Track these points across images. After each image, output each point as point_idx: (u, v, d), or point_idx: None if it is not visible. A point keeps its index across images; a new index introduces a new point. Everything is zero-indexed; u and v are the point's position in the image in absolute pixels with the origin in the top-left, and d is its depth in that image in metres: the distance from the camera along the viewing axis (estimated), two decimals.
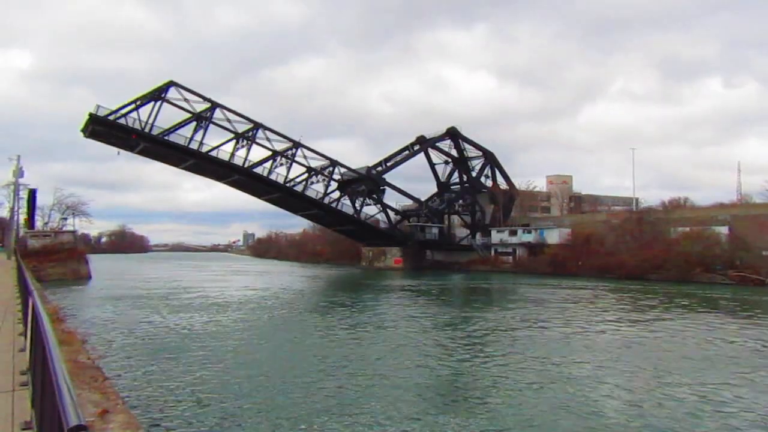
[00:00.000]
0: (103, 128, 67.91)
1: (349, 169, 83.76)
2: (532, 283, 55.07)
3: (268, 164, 77.02)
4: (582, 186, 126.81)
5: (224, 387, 14.92)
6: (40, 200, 73.77)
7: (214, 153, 73.35)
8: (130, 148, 72.35)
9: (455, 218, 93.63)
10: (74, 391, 2.97)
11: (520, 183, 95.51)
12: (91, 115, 66.59)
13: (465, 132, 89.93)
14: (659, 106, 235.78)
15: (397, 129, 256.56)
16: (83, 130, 69.40)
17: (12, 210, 60.75)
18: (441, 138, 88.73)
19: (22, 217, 65.80)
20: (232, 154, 74.13)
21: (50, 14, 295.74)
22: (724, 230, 59.34)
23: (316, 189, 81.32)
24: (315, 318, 30.30)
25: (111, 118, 67.15)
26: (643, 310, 33.24)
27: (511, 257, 79.62)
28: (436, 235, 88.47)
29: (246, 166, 75.04)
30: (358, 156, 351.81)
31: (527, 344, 21.86)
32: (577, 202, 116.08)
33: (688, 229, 60.92)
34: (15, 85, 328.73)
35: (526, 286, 52.11)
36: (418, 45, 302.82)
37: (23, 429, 5.30)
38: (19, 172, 55.78)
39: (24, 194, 62.67)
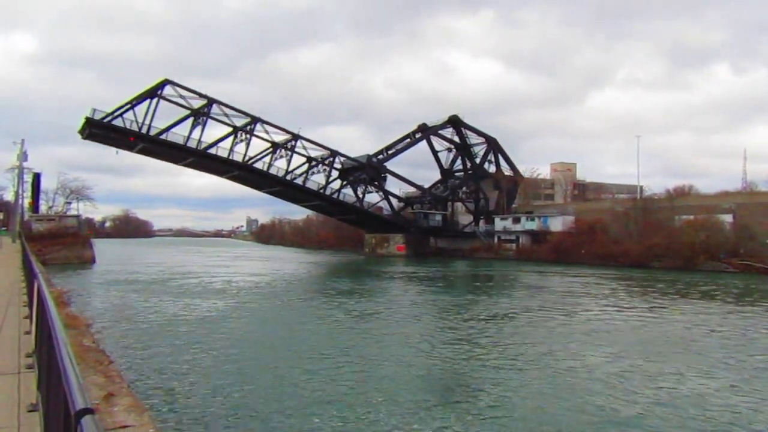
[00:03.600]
0: (100, 131, 67.61)
1: (348, 158, 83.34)
2: (535, 270, 55.07)
3: (267, 158, 76.51)
4: (586, 173, 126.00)
5: (227, 371, 15.00)
6: (45, 184, 73.90)
7: (213, 150, 72.72)
8: (129, 147, 72.11)
9: (459, 205, 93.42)
10: (80, 374, 2.95)
11: (524, 170, 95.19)
12: (87, 118, 66.14)
13: (470, 119, 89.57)
14: (666, 93, 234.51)
15: (403, 115, 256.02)
16: (80, 132, 68.94)
17: (16, 194, 60.90)
18: (442, 126, 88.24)
19: (27, 201, 66.04)
20: (231, 150, 73.27)
21: None
22: (728, 218, 58.95)
23: (317, 180, 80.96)
24: (318, 304, 30.41)
25: (108, 119, 66.64)
26: (647, 299, 33.20)
27: (514, 245, 79.51)
28: (439, 222, 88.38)
29: (245, 161, 74.36)
30: (362, 143, 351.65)
31: (528, 332, 21.90)
32: (581, 190, 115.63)
33: (692, 217, 60.61)
34: (19, 68, 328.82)
35: (529, 273, 52.11)
36: (424, 30, 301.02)
37: (29, 411, 5.32)
38: (23, 156, 55.72)
39: (28, 178, 62.85)
